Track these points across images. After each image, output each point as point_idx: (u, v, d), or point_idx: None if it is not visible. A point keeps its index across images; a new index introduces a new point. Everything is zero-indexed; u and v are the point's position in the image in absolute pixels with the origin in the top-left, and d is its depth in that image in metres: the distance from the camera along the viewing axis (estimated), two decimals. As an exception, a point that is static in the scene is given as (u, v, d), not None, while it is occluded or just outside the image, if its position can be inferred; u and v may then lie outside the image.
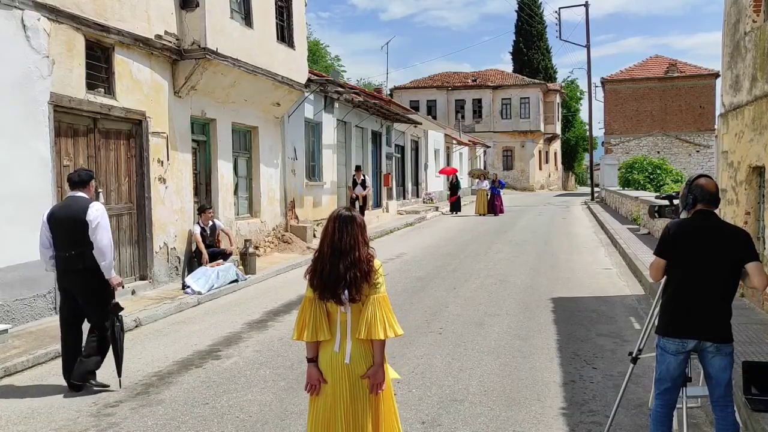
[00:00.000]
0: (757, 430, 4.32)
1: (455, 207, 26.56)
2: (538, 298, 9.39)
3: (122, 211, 9.48)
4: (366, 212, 19.98)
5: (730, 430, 3.67)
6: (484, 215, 25.40)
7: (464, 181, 32.62)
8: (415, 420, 4.90)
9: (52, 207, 6.28)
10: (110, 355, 5.88)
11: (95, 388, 5.71)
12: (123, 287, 6.54)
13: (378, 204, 23.60)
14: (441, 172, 32.29)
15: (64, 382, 5.91)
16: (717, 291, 3.66)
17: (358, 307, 3.37)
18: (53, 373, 6.27)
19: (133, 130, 9.64)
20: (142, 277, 9.79)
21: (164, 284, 10.14)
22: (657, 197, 4.32)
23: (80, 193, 5.84)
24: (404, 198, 28.62)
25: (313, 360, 3.44)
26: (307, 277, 3.46)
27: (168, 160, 10.27)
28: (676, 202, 4.27)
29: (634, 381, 5.53)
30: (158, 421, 4.98)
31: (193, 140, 11.41)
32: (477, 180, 28.31)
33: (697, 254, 3.68)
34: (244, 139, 13.50)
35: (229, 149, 12.48)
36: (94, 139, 8.85)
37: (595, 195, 34.12)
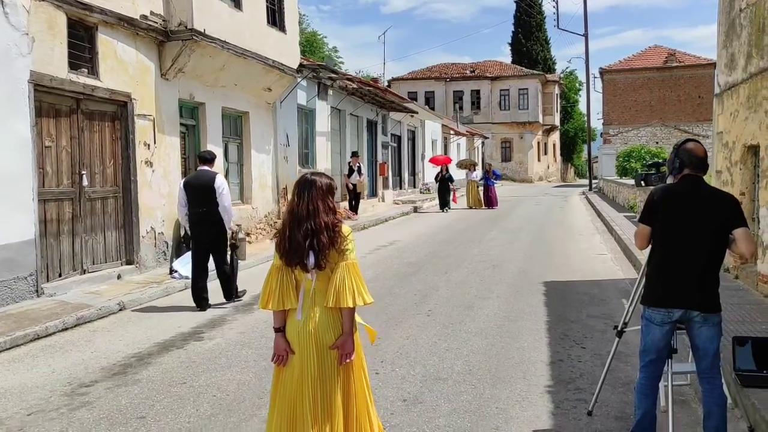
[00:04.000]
0: (747, 406, 4.18)
1: (445, 203, 23.23)
2: (530, 282, 9.25)
3: (107, 195, 9.33)
4: (361, 201, 19.85)
5: (718, 403, 3.52)
6: (475, 208, 23.90)
7: (456, 173, 29.17)
8: (396, 398, 4.76)
9: (186, 177, 8.48)
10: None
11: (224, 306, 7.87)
12: (237, 235, 8.41)
13: (374, 193, 23.44)
14: (432, 161, 28.59)
15: (42, 363, 5.83)
16: (704, 259, 3.51)
17: (326, 274, 3.22)
18: (31, 354, 6.14)
19: (118, 111, 9.47)
20: (129, 262, 9.65)
21: (152, 269, 10.00)
22: (643, 166, 4.16)
23: (207, 168, 7.85)
24: (401, 188, 28.46)
25: (280, 330, 3.30)
26: (275, 244, 3.32)
27: (155, 143, 10.11)
28: (663, 169, 4.12)
29: (622, 360, 5.40)
30: (133, 400, 4.84)
31: (181, 124, 11.24)
32: (466, 171, 26.51)
33: (683, 220, 3.53)
34: (235, 125, 13.33)
35: (219, 134, 12.31)
36: (78, 120, 8.69)
37: (593, 185, 33.96)
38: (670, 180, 3.77)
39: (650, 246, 3.74)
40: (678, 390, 4.51)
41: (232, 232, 8.14)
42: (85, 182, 8.75)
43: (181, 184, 8.01)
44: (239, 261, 8.60)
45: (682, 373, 4.20)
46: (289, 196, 12.73)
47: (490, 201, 24.02)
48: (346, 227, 3.29)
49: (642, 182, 4.11)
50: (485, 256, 11.79)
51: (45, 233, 8.10)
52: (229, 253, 8.12)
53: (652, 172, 4.08)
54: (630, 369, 5.18)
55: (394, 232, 16.45)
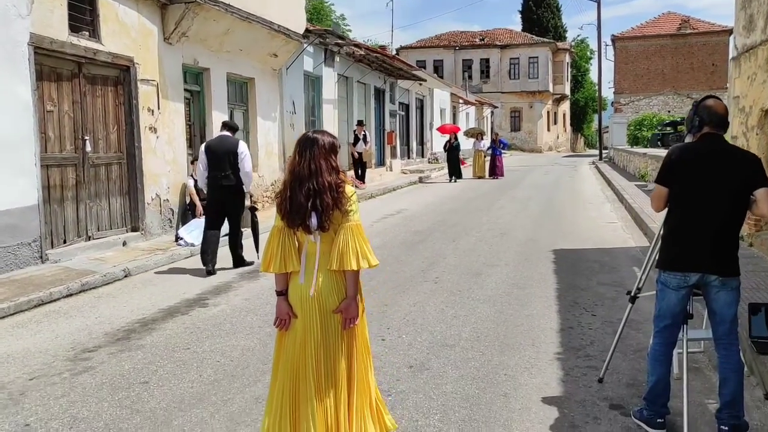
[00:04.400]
0: (763, 373, 4.07)
1: (454, 172, 22.60)
2: (539, 250, 9.12)
3: (111, 161, 9.22)
4: (369, 170, 19.69)
5: (735, 369, 3.41)
6: (482, 178, 23.39)
7: (465, 143, 28.70)
8: (402, 364, 4.68)
9: (207, 141, 8.39)
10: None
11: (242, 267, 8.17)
12: (256, 200, 9.09)
13: (381, 162, 23.27)
14: (440, 129, 28.31)
15: (45, 328, 5.79)
16: (723, 220, 3.36)
17: (329, 236, 3.10)
18: (35, 320, 6.09)
19: (120, 76, 9.31)
20: (134, 229, 9.58)
21: (157, 236, 9.93)
22: (662, 124, 3.97)
23: (228, 133, 8.01)
24: (408, 157, 28.24)
25: (282, 293, 3.20)
26: (276, 204, 3.20)
27: (159, 109, 9.96)
28: (681, 128, 3.94)
29: (633, 327, 5.29)
30: (136, 365, 4.78)
31: (186, 90, 11.07)
32: (474, 140, 25.62)
33: (702, 181, 3.37)
34: (241, 91, 13.14)
35: (224, 100, 12.13)
36: (80, 84, 8.54)
37: (604, 155, 33.61)
38: (688, 139, 3.61)
39: (666, 208, 3.59)
40: (691, 357, 4.41)
41: (251, 195, 8.55)
42: (89, 148, 8.64)
43: (203, 148, 8.05)
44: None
45: (698, 340, 4.09)
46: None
47: (495, 171, 23.56)
48: (349, 188, 3.16)
49: (659, 142, 3.93)
50: (493, 225, 11.66)
51: (48, 199, 8.02)
52: (249, 215, 8.39)
53: (670, 131, 3.88)
54: (641, 336, 5.08)
55: (402, 200, 16.32)
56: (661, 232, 3.73)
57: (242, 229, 8.32)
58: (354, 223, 3.11)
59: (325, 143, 3.17)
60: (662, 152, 17.57)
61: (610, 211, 13.52)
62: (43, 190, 7.81)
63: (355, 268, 3.06)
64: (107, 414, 3.92)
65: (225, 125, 8.20)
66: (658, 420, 3.51)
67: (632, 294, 4.16)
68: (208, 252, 7.93)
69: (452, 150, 22.91)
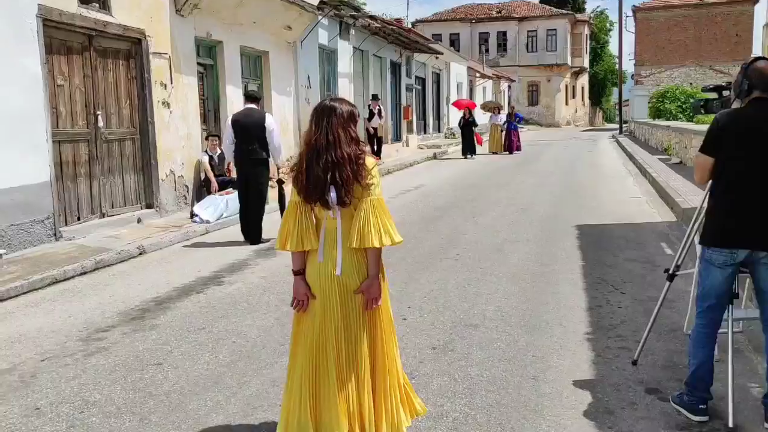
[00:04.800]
0: (810, 356, 3.82)
1: (469, 148, 21.65)
2: (561, 226, 8.87)
3: (124, 137, 9.05)
4: (385, 146, 19.42)
5: (784, 353, 3.18)
6: (498, 153, 22.77)
7: (481, 118, 27.97)
8: (425, 345, 4.49)
9: (234, 114, 8.24)
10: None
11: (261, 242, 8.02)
12: (285, 173, 8.34)
13: (398, 138, 22.97)
14: (455, 104, 26.95)
15: (59, 307, 5.68)
16: (774, 193, 3.10)
17: (350, 211, 2.89)
18: (48, 298, 5.98)
19: (132, 49, 9.10)
20: (149, 206, 9.44)
21: (172, 213, 9.79)
22: (703, 89, 3.73)
23: (254, 106, 7.99)
24: (425, 132, 27.89)
25: (299, 272, 3.00)
26: (292, 178, 2.99)
27: (172, 83, 9.75)
28: (726, 93, 3.66)
29: (666, 305, 5.00)
30: (150, 345, 4.64)
31: (199, 64, 10.84)
32: (490, 114, 24.89)
33: (751, 150, 3.11)
34: (255, 65, 12.90)
35: (238, 74, 11.90)
36: (90, 57, 8.34)
37: (624, 129, 33.01)
38: (736, 105, 3.33)
39: (710, 181, 3.33)
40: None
41: (279, 169, 8.46)
42: (101, 123, 8.47)
43: (229, 121, 8.06)
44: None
45: (744, 320, 3.85)
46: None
47: (511, 146, 22.87)
48: (370, 159, 2.95)
49: (701, 109, 3.68)
50: (513, 200, 11.40)
51: (61, 176, 7.88)
52: (277, 189, 8.31)
53: (713, 97, 3.62)
54: (675, 314, 4.84)
55: (419, 176, 16.07)
56: (705, 205, 3.47)
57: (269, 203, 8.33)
58: (375, 198, 2.90)
59: (344, 112, 2.95)
60: (687, 125, 17.13)
61: (633, 186, 13.20)
62: (55, 166, 7.66)
63: (377, 245, 2.86)
64: (119, 397, 3.78)
65: (249, 97, 8.20)
66: (700, 406, 3.30)
67: (670, 271, 3.92)
68: (246, 232, 8.11)
69: (467, 126, 22.12)
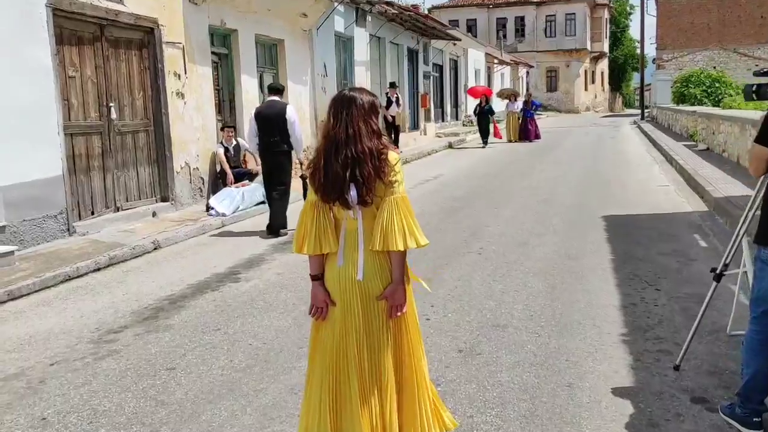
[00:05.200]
0: None
1: (485, 137, 21.03)
2: (587, 217, 8.56)
3: (138, 128, 8.87)
4: (402, 134, 19.12)
5: None
6: (515, 141, 22.11)
7: (499, 105, 27.33)
8: (450, 348, 4.25)
9: (257, 107, 8.41)
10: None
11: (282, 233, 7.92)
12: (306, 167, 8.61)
13: (415, 126, 22.64)
14: (470, 92, 26.26)
15: (71, 306, 5.52)
16: (840, 187, 2.81)
17: (371, 211, 2.65)
18: (60, 297, 5.82)
19: (145, 39, 8.90)
20: (164, 199, 9.27)
21: (188, 206, 9.62)
22: (756, 73, 3.43)
23: (277, 98, 8.04)
24: (443, 120, 27.53)
25: (317, 277, 2.77)
26: (308, 175, 2.75)
27: (185, 73, 9.55)
28: (782, 78, 3.35)
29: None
30: (162, 348, 4.45)
31: (213, 53, 10.63)
32: (507, 101, 24.07)
33: (815, 140, 2.82)
34: (270, 53, 12.65)
35: (253, 63, 11.67)
36: (102, 48, 8.15)
37: (646, 114, 32.37)
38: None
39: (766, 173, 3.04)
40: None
41: (302, 165, 8.40)
42: (114, 115, 8.29)
43: (252, 114, 8.12)
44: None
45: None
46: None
47: (528, 134, 22.18)
48: (393, 154, 2.70)
49: (753, 95, 3.44)
50: (535, 190, 11.09)
51: (74, 169, 7.72)
52: (302, 184, 8.28)
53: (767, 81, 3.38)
54: (716, 314, 4.55)
55: (438, 165, 15.79)
56: (759, 200, 3.17)
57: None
58: (399, 196, 2.66)
59: (364, 103, 2.70)
60: (714, 110, 16.65)
61: (660, 174, 12.81)
62: (67, 159, 7.50)
63: (401, 248, 2.62)
64: (130, 406, 3.58)
65: (271, 90, 8.22)
66: (754, 419, 3.03)
67: (717, 271, 3.63)
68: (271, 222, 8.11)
69: (483, 114, 21.34)
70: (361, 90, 2.79)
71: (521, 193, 10.82)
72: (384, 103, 17.80)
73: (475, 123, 23.24)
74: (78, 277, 6.40)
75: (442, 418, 2.87)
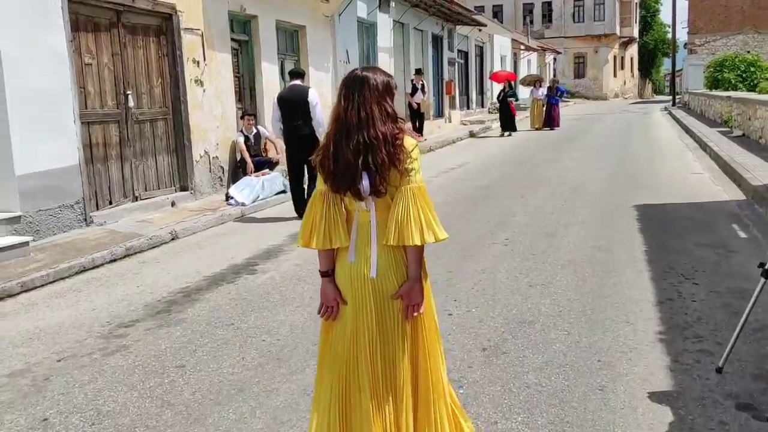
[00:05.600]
0: None
1: (508, 125, 20.21)
2: (618, 206, 8.22)
3: (156, 116, 8.73)
4: (427, 122, 18.82)
5: None
6: (539, 129, 21.36)
7: (522, 92, 26.52)
8: (474, 346, 4.00)
9: (280, 92, 8.52)
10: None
11: None
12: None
13: (440, 113, 22.31)
14: (493, 77, 25.42)
15: (84, 299, 5.39)
16: None
17: (386, 202, 2.42)
18: (74, 288, 5.70)
19: (163, 25, 8.73)
20: (183, 188, 9.13)
21: (207, 195, 9.48)
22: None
23: (299, 82, 8.06)
24: (468, 107, 27.12)
25: (327, 274, 2.55)
26: (317, 162, 2.53)
27: (205, 60, 9.37)
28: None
29: (748, 299, 4.45)
30: (173, 344, 4.28)
31: (233, 40, 10.44)
32: (531, 88, 23.28)
33: None
34: (291, 40, 12.44)
35: (274, 50, 11.46)
36: (119, 35, 8.01)
37: (677, 100, 31.57)
38: None
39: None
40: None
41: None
42: (131, 103, 8.15)
43: (275, 99, 8.12)
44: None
45: None
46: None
47: (552, 121, 21.40)
48: (409, 139, 2.46)
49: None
50: (564, 178, 10.74)
51: (91, 158, 7.60)
52: None
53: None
54: (761, 312, 4.23)
55: (463, 153, 15.48)
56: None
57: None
58: (416, 185, 2.42)
59: (378, 83, 2.47)
60: (750, 95, 16.07)
61: (694, 161, 12.35)
62: (84, 148, 7.38)
63: (418, 243, 2.39)
64: (135, 407, 3.41)
65: (293, 74, 8.24)
66: (809, 431, 2.74)
67: (766, 267, 3.33)
68: (297, 205, 8.10)
69: (506, 100, 20.49)
70: (375, 69, 2.55)
71: (549, 181, 10.49)
72: (409, 90, 17.47)
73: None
74: (93, 268, 6.27)
75: (460, 426, 2.64)
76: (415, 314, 2.48)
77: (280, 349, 4.09)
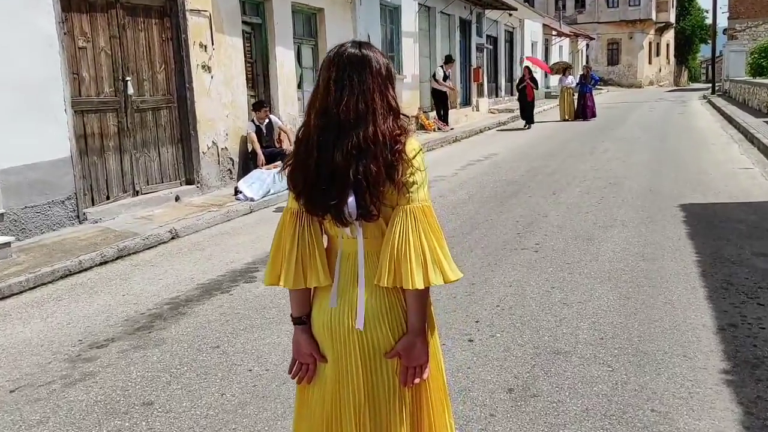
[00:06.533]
0: None
1: (528, 116, 18.25)
2: (662, 205, 7.43)
3: (159, 105, 8.15)
4: (455, 110, 18.07)
5: None
6: (569, 120, 19.77)
7: (552, 80, 24.89)
8: (498, 385, 3.32)
9: None
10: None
11: None
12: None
13: (467, 102, 21.46)
14: (538, 63, 23.87)
15: (62, 309, 4.84)
16: None
17: (378, 227, 1.78)
18: (54, 296, 5.15)
19: (166, 6, 8.13)
20: (189, 182, 8.56)
21: (215, 189, 8.89)
22: None
23: None
24: (496, 95, 26.17)
25: (301, 321, 1.92)
26: (287, 173, 1.88)
27: (213, 44, 8.75)
28: None
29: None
30: (146, 372, 3.67)
31: (245, 23, 9.81)
32: (560, 76, 21.62)
33: None
34: (309, 24, 11.76)
35: (289, 34, 10.80)
36: (117, 16, 7.42)
37: (716, 88, 30.22)
38: None
39: None
40: None
41: None
42: (131, 90, 7.57)
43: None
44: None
45: None
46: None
47: (585, 111, 19.92)
48: (413, 142, 1.81)
49: None
50: (600, 172, 9.93)
51: (86, 150, 7.05)
52: None
53: None
54: None
55: (490, 144, 14.69)
56: None
57: None
58: (419, 205, 1.77)
59: (381, 66, 1.83)
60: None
61: (741, 154, 11.41)
62: (77, 139, 6.83)
63: (419, 286, 1.74)
64: (81, 462, 2.81)
65: None
66: None
67: None
68: None
69: (524, 90, 18.28)
70: (371, 47, 1.87)
71: (583, 175, 9.70)
72: (440, 76, 16.57)
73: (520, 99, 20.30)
74: (80, 272, 5.73)
75: None
76: (417, 380, 1.83)
77: (267, 384, 3.45)
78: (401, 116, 1.80)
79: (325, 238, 1.91)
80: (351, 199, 1.74)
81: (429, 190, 1.81)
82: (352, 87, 1.75)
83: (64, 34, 6.62)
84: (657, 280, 4.86)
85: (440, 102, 16.94)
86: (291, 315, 1.94)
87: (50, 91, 6.42)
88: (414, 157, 1.77)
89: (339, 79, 1.77)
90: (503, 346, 3.79)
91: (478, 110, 21.57)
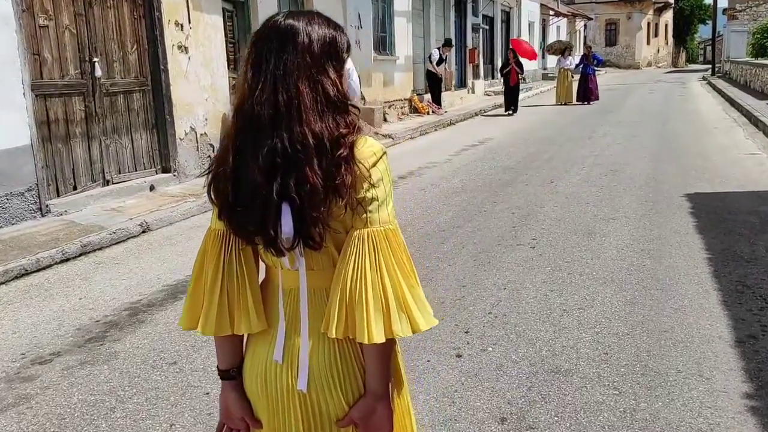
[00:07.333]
0: None
1: (512, 101, 16.95)
2: (666, 195, 7.00)
3: (132, 88, 7.63)
4: (449, 93, 17.54)
5: None
6: (568, 104, 18.70)
7: (550, 61, 23.61)
8: (488, 414, 2.89)
9: None
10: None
11: None
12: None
13: (462, 84, 20.91)
14: (515, 45, 19.93)
15: (9, 317, 4.38)
16: None
17: (327, 256, 1.34)
18: (4, 300, 4.69)
19: (137, -18, 7.59)
20: (165, 170, 8.06)
21: (193, 177, 8.40)
22: None
23: None
24: (492, 77, 25.58)
25: (230, 375, 1.48)
26: (207, 185, 1.42)
27: (190, 23, 8.22)
28: None
29: None
30: (89, 395, 3.23)
31: (226, 0, 9.26)
32: (558, 57, 20.40)
33: None
34: (295, 2, 11.19)
35: (274, 13, 10.23)
36: (82, -8, 6.89)
37: (716, 69, 29.69)
38: None
39: None
40: None
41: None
42: (99, 72, 7.05)
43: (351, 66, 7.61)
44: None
45: None
46: (364, 90, 11.29)
47: (588, 94, 18.93)
48: (370, 144, 1.34)
49: None
50: (599, 159, 9.49)
51: (49, 137, 6.55)
52: None
53: None
54: None
55: (486, 128, 14.20)
56: None
57: None
58: (380, 229, 1.32)
59: (313, 40, 1.34)
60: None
61: (746, 138, 10.97)
62: (39, 125, 6.33)
63: (378, 339, 1.29)
64: None
65: None
66: None
67: None
68: None
69: (508, 74, 17.04)
70: (309, 16, 1.41)
71: (583, 162, 9.25)
72: (436, 58, 15.93)
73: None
74: (37, 271, 5.26)
75: None
76: (376, 457, 1.39)
77: (224, 411, 3.01)
78: (350, 109, 1.34)
79: (263, 266, 1.46)
80: (286, 219, 1.28)
81: (393, 207, 1.35)
82: (268, 70, 1.28)
83: (23, 11, 6.10)
84: (665, 282, 4.42)
85: (435, 84, 16.40)
86: (217, 367, 1.50)
87: (6, 73, 5.91)
88: (373, 165, 1.31)
89: (256, 61, 1.31)
90: (495, 363, 3.36)
91: (473, 92, 21.05)
